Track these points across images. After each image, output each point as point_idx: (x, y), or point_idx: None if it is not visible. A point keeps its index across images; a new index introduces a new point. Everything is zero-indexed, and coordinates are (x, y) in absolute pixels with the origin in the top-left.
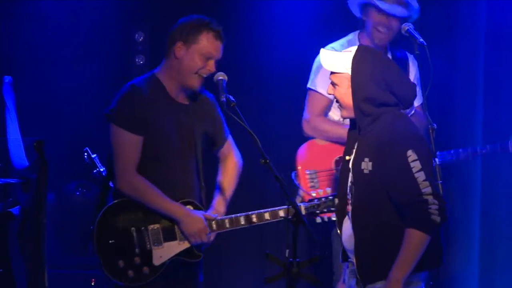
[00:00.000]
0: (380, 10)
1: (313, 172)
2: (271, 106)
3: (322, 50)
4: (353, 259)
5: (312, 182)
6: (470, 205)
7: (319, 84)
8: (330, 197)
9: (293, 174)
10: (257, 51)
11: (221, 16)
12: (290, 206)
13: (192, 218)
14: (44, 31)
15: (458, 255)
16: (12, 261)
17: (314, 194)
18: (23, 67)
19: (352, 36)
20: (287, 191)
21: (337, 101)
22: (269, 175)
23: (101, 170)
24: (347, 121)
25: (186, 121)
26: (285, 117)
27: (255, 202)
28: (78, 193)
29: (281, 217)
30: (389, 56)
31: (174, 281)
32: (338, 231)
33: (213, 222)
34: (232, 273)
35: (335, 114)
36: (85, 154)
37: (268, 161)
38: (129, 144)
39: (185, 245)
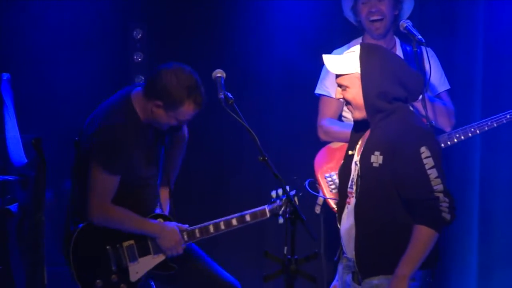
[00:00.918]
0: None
1: (332, 175)
2: (270, 105)
3: (324, 56)
4: (350, 254)
5: (333, 184)
6: (468, 201)
7: (330, 88)
8: (292, 193)
9: (306, 183)
10: (257, 51)
11: (220, 14)
12: (277, 205)
13: (167, 232)
14: (42, 29)
15: (456, 252)
16: (11, 259)
17: None
18: (21, 64)
19: (354, 42)
20: (285, 187)
21: (348, 104)
22: (267, 172)
23: None
24: None
25: (152, 139)
26: (284, 116)
27: (253, 199)
28: None
29: (257, 219)
30: (400, 51)
31: None
32: (338, 225)
33: (184, 232)
34: (231, 272)
35: (349, 114)
36: None
37: (266, 158)
38: (110, 183)
39: (160, 258)
